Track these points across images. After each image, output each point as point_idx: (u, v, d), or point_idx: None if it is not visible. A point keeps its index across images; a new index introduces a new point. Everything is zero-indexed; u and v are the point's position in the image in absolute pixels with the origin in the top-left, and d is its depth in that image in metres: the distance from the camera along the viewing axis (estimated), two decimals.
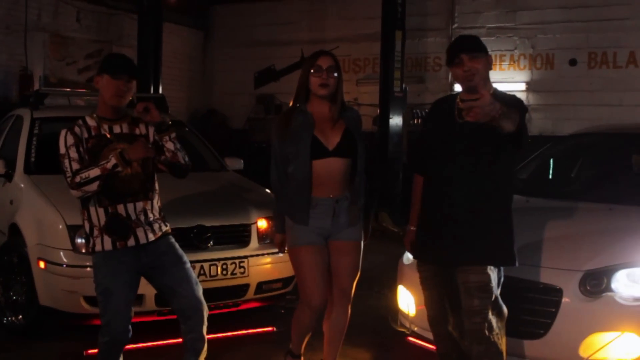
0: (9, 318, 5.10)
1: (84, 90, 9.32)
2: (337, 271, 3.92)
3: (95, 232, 3.67)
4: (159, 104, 7.05)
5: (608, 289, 3.79)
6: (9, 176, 5.57)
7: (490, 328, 3.54)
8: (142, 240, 3.68)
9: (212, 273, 4.92)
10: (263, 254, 5.13)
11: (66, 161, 3.62)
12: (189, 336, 3.84)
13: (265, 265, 5.13)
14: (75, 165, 3.61)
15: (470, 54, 3.59)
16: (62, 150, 3.65)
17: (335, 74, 3.80)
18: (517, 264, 3.63)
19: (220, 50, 14.53)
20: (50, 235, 4.80)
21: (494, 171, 3.58)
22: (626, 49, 10.76)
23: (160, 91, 10.57)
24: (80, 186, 3.57)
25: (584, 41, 11.06)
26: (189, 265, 3.83)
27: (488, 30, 11.76)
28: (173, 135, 3.75)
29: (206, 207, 5.33)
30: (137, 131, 3.77)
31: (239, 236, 5.14)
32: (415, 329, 4.43)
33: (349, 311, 4.02)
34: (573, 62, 11.12)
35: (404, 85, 10.89)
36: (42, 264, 4.77)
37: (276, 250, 4.16)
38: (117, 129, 3.72)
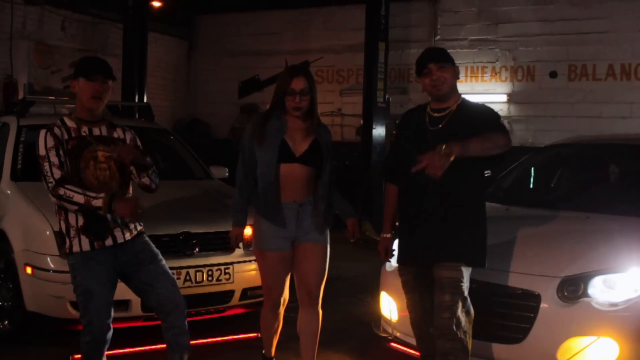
0: None
1: (69, 98, 9.33)
2: (303, 273, 4.05)
3: (72, 233, 3.71)
4: (144, 112, 7.13)
5: (585, 294, 3.90)
6: None
7: (459, 325, 3.66)
8: (120, 240, 3.75)
9: (198, 279, 4.98)
10: (248, 261, 5.18)
11: (46, 164, 3.65)
12: (171, 332, 3.90)
13: (250, 271, 5.18)
14: (56, 172, 3.64)
15: (438, 63, 3.79)
16: (42, 152, 3.67)
17: (309, 95, 3.94)
18: (485, 267, 3.81)
19: (205, 60, 14.59)
20: (37, 241, 4.83)
21: (466, 176, 3.72)
22: (605, 62, 10.94)
23: (145, 100, 10.61)
24: (60, 199, 3.63)
25: (564, 54, 11.22)
26: (164, 262, 3.93)
27: (470, 42, 11.91)
28: (151, 171, 3.86)
29: (192, 214, 5.39)
30: (115, 134, 3.85)
31: (224, 243, 5.19)
32: (398, 334, 4.51)
33: (320, 312, 4.13)
34: (553, 75, 11.28)
35: (387, 96, 11.00)
36: (29, 270, 4.81)
37: None
38: (96, 132, 3.79)
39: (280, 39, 13.52)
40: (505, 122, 10.74)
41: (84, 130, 3.75)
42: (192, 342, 3.99)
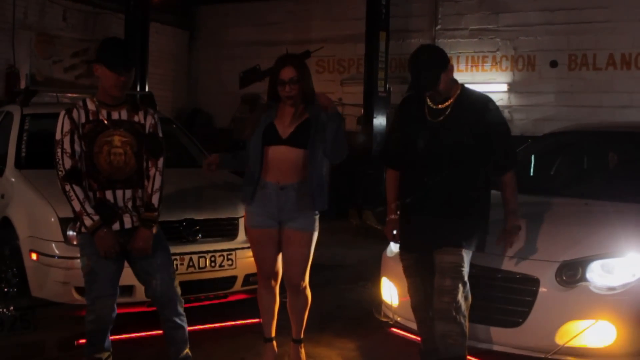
0: (1, 310, 5.17)
1: (72, 89, 9.40)
2: (286, 260, 4.19)
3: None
4: (146, 101, 7.17)
5: (583, 279, 3.96)
6: None
7: (458, 309, 3.74)
8: (127, 225, 3.80)
9: (201, 265, 5.03)
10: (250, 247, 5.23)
11: (59, 151, 3.71)
12: (166, 325, 3.99)
13: (252, 257, 5.22)
14: (67, 161, 3.70)
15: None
16: (58, 136, 3.73)
17: (298, 84, 4.01)
18: (484, 251, 3.93)
19: (206, 50, 14.60)
20: (42, 227, 4.89)
21: (469, 165, 3.84)
22: (606, 51, 10.95)
23: (147, 90, 10.66)
24: (63, 192, 3.72)
25: (564, 43, 11.23)
26: (169, 255, 3.98)
27: (471, 31, 11.92)
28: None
29: (195, 201, 5.43)
30: (136, 118, 3.85)
31: (227, 229, 5.26)
32: (398, 319, 4.58)
33: (307, 294, 4.26)
34: (554, 64, 11.30)
35: (387, 86, 11.02)
36: (34, 256, 4.87)
37: None
38: (115, 115, 3.80)
39: (280, 29, 13.52)
40: (506, 112, 10.91)
41: (103, 114, 3.78)
42: (194, 327, 4.06)
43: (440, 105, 3.90)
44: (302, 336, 4.33)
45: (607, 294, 3.89)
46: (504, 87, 11.62)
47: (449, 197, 3.82)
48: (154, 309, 4.48)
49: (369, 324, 5.09)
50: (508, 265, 4.08)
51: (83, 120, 3.74)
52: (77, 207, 3.68)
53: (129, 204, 3.80)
